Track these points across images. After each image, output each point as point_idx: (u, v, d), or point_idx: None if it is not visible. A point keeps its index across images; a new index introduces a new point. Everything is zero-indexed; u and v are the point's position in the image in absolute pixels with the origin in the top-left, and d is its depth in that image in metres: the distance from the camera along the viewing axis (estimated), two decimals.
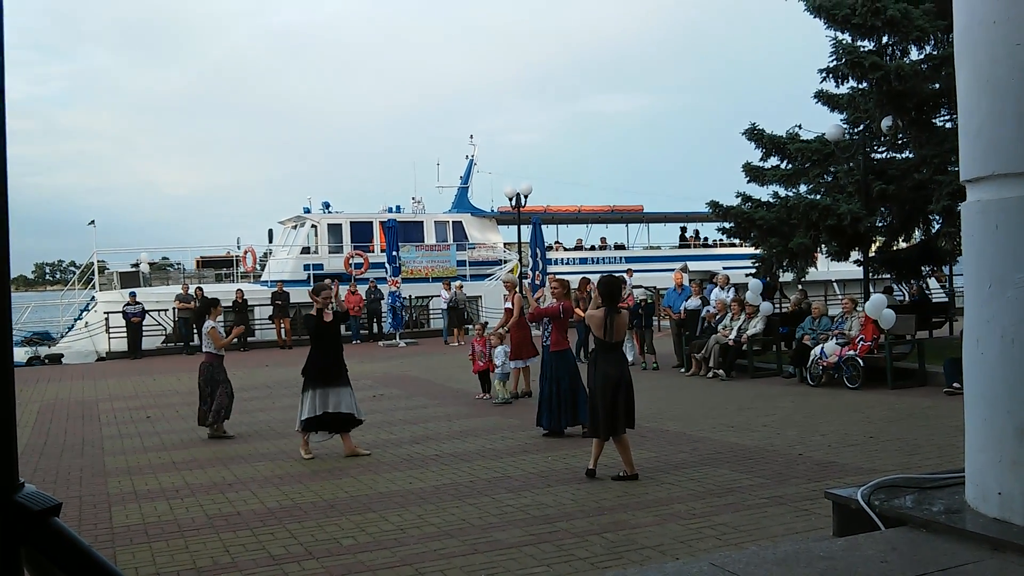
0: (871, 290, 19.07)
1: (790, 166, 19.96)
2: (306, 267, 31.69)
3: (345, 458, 10.04)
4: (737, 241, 25.90)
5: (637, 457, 9.44)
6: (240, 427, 12.62)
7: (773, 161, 20.11)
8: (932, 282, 25.08)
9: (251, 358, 24.40)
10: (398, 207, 35.27)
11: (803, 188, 19.96)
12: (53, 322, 32.40)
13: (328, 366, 10.27)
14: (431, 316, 32.05)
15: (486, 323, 17.39)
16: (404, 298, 28.89)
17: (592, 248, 38.85)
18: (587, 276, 21.59)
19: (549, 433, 10.95)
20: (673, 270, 22.67)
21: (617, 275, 9.86)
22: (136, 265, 32.62)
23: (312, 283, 30.11)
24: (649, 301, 19.28)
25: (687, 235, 40.74)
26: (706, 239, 40.67)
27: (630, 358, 19.22)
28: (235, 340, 11.70)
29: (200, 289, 27.98)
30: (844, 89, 18.99)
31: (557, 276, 13.15)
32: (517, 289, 14.78)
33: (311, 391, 10.16)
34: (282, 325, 27.82)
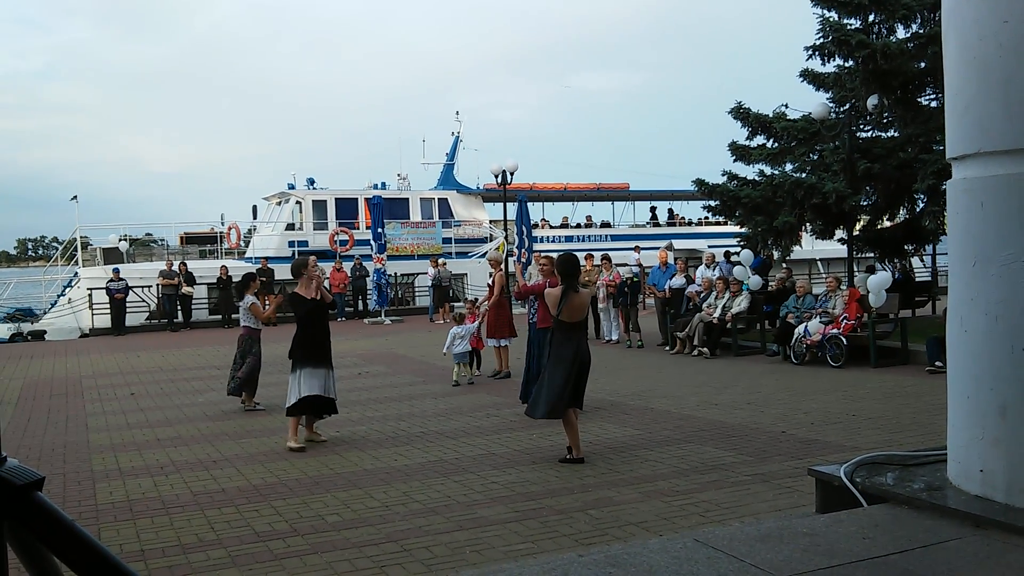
0: (855, 269, 19.14)
1: (776, 145, 19.96)
2: (291, 244, 31.56)
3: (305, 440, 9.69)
4: (719, 219, 25.99)
5: (622, 435, 9.51)
6: (225, 404, 12.60)
7: (759, 140, 20.11)
8: (916, 261, 25.18)
9: (235, 335, 24.24)
10: (383, 184, 35.13)
11: (789, 167, 19.98)
12: (36, 298, 32.20)
13: (318, 346, 9.77)
14: (416, 294, 31.99)
15: (476, 300, 17.36)
16: (389, 275, 28.83)
17: (578, 226, 38.84)
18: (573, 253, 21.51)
19: None
20: (658, 248, 22.70)
21: (576, 253, 9.62)
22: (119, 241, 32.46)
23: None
24: (635, 279, 19.29)
25: (657, 215, 40.74)
26: (683, 218, 40.69)
27: (615, 337, 19.35)
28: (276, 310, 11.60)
29: (184, 265, 27.85)
30: (830, 67, 18.98)
31: (544, 253, 13.13)
32: (502, 267, 14.74)
33: (301, 371, 9.61)
34: (266, 302, 27.69)
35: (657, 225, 39.54)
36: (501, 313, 14.28)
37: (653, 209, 40.67)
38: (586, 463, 8.21)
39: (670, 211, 41.01)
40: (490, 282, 14.93)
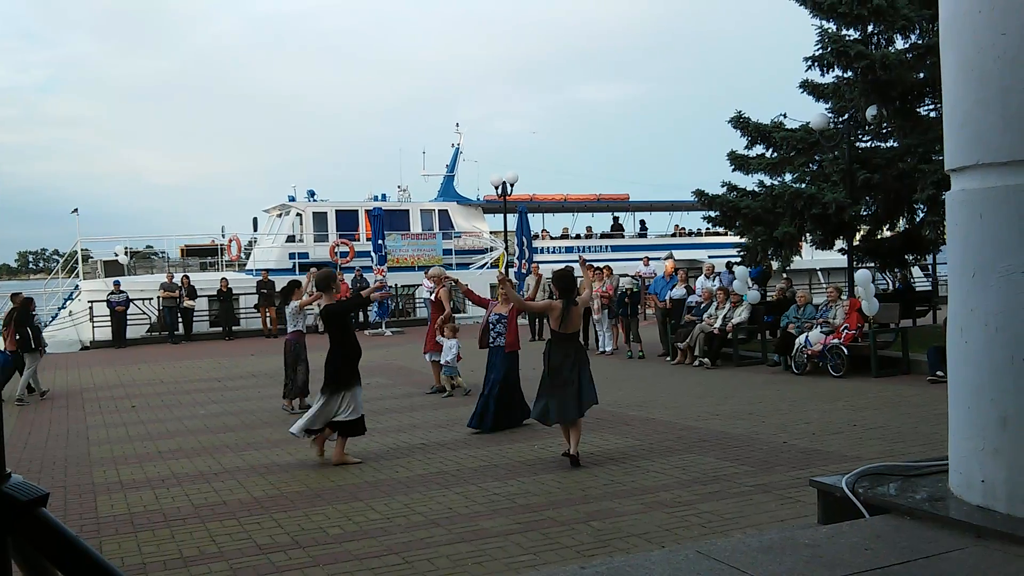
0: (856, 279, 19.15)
1: (775, 154, 19.98)
2: (291, 256, 31.59)
3: (334, 465, 9.20)
4: (717, 229, 25.95)
5: (623, 445, 9.53)
6: (226, 417, 12.60)
7: (758, 149, 20.13)
8: (916, 271, 25.20)
9: (236, 347, 24.35)
10: (384, 195, 35.16)
11: (788, 177, 19.99)
12: (37, 311, 32.16)
13: (357, 363, 9.51)
14: (417, 305, 31.99)
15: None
16: (390, 287, 28.83)
17: (577, 237, 38.88)
18: (570, 265, 21.64)
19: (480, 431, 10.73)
20: (658, 258, 22.72)
21: (570, 266, 9.79)
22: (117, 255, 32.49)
23: (297, 272, 30.06)
24: (635, 290, 19.31)
25: (623, 225, 40.44)
26: (684, 229, 40.54)
27: (608, 348, 19.34)
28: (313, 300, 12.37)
29: (187, 278, 27.85)
30: (829, 78, 19.03)
31: (504, 277, 12.77)
32: (443, 283, 14.54)
33: (348, 392, 9.21)
34: (267, 314, 27.74)
35: (621, 236, 39.27)
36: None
37: (616, 219, 40.43)
38: (588, 473, 8.21)
39: (642, 223, 40.83)
40: (432, 297, 14.84)
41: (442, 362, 14.08)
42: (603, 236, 38.76)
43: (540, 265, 22.95)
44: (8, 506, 1.38)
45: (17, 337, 15.33)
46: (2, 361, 15.62)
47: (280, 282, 28.10)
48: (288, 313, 13.11)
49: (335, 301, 9.78)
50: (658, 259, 25.21)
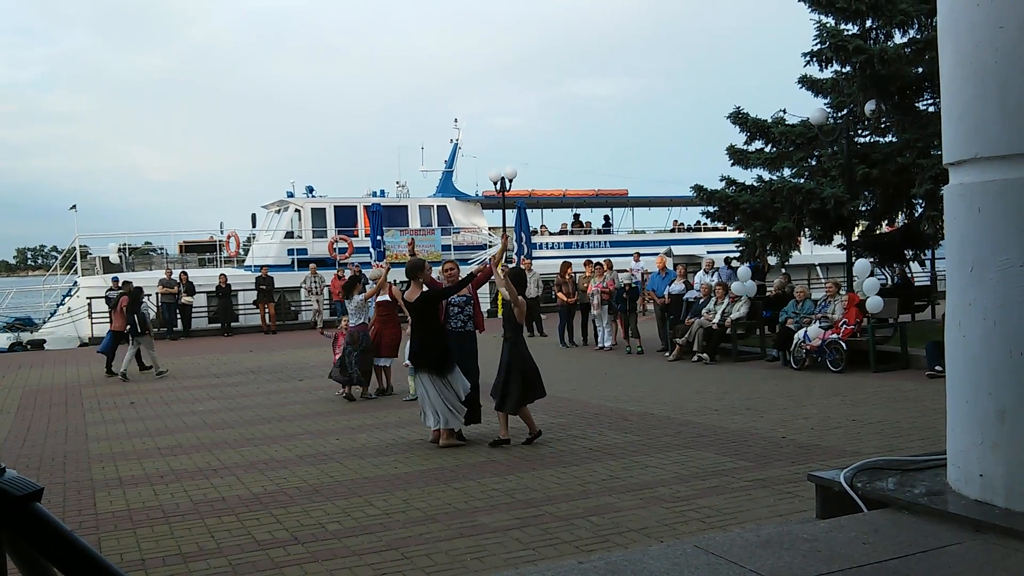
0: (854, 274, 19.15)
1: (774, 150, 19.98)
2: (290, 252, 31.58)
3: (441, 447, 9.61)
4: (712, 224, 25.87)
5: (622, 440, 9.54)
6: (224, 413, 12.60)
7: (757, 145, 20.12)
8: (915, 266, 25.19)
9: (235, 343, 24.32)
10: (382, 191, 35.15)
11: (787, 172, 19.97)
12: (35, 307, 32.20)
13: None
14: None
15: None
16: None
17: (575, 230, 38.86)
18: (568, 260, 21.74)
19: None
20: (657, 254, 22.73)
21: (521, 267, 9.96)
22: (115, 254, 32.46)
23: (296, 267, 30.08)
24: (633, 285, 19.31)
25: (581, 221, 40.25)
26: (681, 224, 40.41)
27: (608, 344, 19.37)
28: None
29: (185, 274, 27.83)
30: (828, 73, 19.01)
31: (450, 259, 12.30)
32: (390, 283, 13.90)
33: (454, 375, 9.70)
34: (266, 310, 27.72)
35: (586, 232, 39.03)
36: (387, 331, 13.71)
37: (577, 216, 40.20)
38: (586, 469, 8.21)
39: (606, 218, 40.65)
40: (388, 298, 13.72)
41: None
42: (558, 233, 38.64)
43: (536, 261, 23.00)
44: (1, 501, 1.37)
45: (127, 325, 17.33)
46: (107, 340, 18.18)
47: (279, 278, 28.29)
48: (352, 307, 13.59)
49: (415, 292, 9.87)
50: (654, 255, 25.21)
